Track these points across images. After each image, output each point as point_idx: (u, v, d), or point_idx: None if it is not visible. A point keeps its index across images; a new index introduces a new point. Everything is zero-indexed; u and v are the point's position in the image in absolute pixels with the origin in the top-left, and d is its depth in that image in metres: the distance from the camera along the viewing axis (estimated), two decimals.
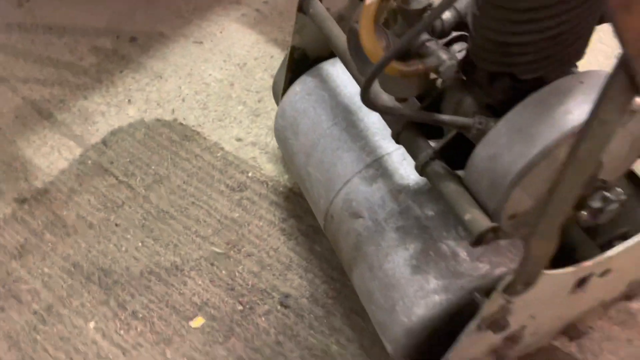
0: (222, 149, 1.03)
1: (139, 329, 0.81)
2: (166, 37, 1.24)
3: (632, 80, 0.31)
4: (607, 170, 0.57)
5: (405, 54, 0.52)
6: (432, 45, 0.51)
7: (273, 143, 1.01)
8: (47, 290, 0.86)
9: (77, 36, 1.26)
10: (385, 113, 0.55)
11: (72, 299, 0.85)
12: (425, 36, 0.52)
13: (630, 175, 0.68)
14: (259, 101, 1.10)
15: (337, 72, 0.80)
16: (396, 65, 0.49)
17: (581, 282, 0.60)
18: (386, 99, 0.64)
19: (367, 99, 0.49)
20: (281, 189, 0.96)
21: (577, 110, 0.48)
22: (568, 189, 0.39)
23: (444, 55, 0.50)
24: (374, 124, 0.73)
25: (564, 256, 0.62)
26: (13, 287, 0.86)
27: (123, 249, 0.90)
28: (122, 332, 0.81)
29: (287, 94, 0.84)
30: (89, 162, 1.02)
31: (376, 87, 0.61)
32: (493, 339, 0.62)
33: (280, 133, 0.85)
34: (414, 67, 0.50)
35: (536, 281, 0.51)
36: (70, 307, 0.84)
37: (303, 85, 0.82)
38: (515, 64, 0.52)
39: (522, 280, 0.49)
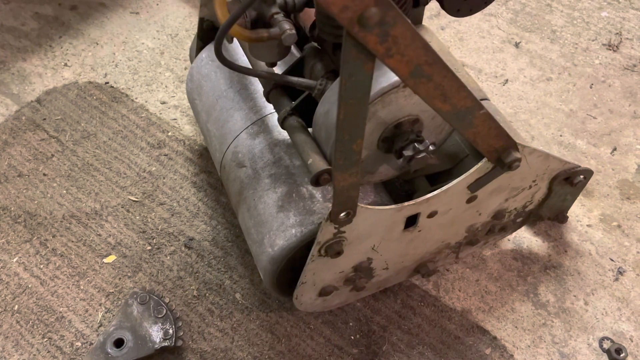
0: (147, 110, 1.13)
1: (57, 264, 0.92)
2: (105, 7, 1.33)
3: (360, 44, 0.43)
4: (430, 128, 0.69)
5: (258, 24, 0.63)
6: (279, 17, 0.62)
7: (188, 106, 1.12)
8: None
9: (22, 3, 1.34)
10: (238, 71, 0.66)
11: None
12: (274, 9, 0.63)
13: None
14: (185, 69, 1.20)
15: (237, 41, 0.91)
16: (242, 32, 0.60)
17: (412, 221, 0.73)
18: (261, 64, 0.75)
19: (220, 56, 0.60)
20: (197, 147, 1.07)
21: (386, 75, 0.60)
22: (346, 130, 0.51)
23: (286, 26, 0.61)
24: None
25: None
26: None
27: (49, 195, 1.00)
28: (42, 266, 0.92)
29: (196, 60, 0.95)
30: (23, 118, 1.12)
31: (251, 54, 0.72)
32: (341, 267, 0.75)
33: (189, 95, 0.96)
34: (259, 34, 0.61)
35: (355, 212, 0.63)
36: None
37: (208, 53, 0.93)
38: None
39: (339, 210, 0.61)
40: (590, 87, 1.16)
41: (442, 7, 0.67)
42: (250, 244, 0.80)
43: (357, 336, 0.85)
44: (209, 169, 1.04)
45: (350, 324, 0.86)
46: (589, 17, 1.29)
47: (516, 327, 0.86)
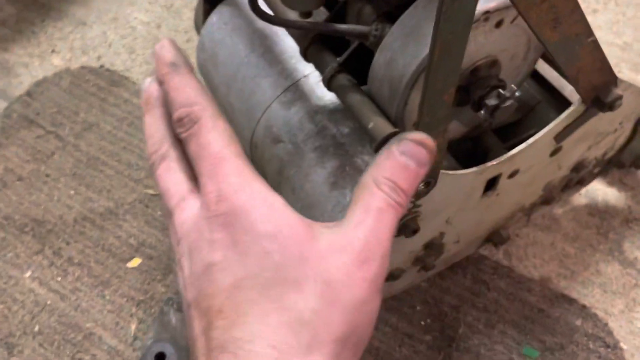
0: None
1: (76, 274, 0.81)
2: None
3: None
4: (507, 71, 0.58)
5: None
6: None
7: (201, 80, 1.00)
8: None
9: None
10: (278, 24, 0.54)
11: (5, 252, 0.84)
12: None
13: (541, 80, 0.69)
14: (187, 41, 1.07)
15: None
16: None
17: (491, 184, 0.62)
18: (293, 16, 0.63)
19: (256, 9, 0.48)
20: None
21: None
22: (440, 76, 0.39)
23: None
24: (291, 47, 0.72)
25: (481, 162, 0.64)
26: None
27: (55, 198, 0.89)
28: (59, 278, 0.81)
29: (205, 25, 0.82)
30: (15, 115, 0.99)
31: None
32: (412, 246, 0.64)
33: (202, 67, 0.83)
34: None
35: (436, 181, 0.52)
36: (5, 259, 0.83)
37: (219, 15, 0.80)
38: None
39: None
40: None
41: None
42: None
43: (428, 320, 0.75)
44: None
45: (418, 307, 0.76)
46: None
47: (605, 291, 0.76)
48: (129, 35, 1.10)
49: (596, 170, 0.77)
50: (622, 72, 0.96)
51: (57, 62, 1.07)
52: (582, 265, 0.78)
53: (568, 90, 0.68)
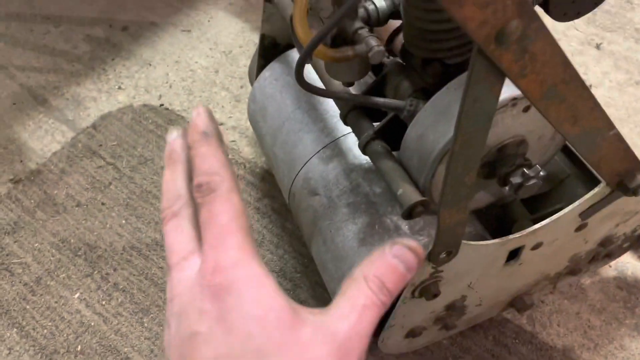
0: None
1: (119, 300, 0.88)
2: (156, 26, 1.29)
3: (492, 64, 0.35)
4: (535, 149, 0.61)
5: (339, 41, 0.56)
6: (364, 32, 0.55)
7: (250, 129, 1.06)
8: (37, 264, 0.92)
9: (73, 25, 1.32)
10: (320, 95, 0.59)
11: (59, 272, 0.91)
12: (358, 24, 0.56)
13: (572, 155, 0.71)
14: (242, 87, 1.15)
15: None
16: (326, 51, 0.54)
17: (514, 254, 0.64)
18: (336, 84, 0.68)
19: (301, 81, 0.53)
20: (257, 170, 1.01)
21: None
22: (460, 162, 0.43)
23: (372, 42, 0.54)
24: (334, 107, 0.78)
25: (508, 230, 0.67)
26: (5, 261, 0.93)
27: (108, 225, 0.96)
28: (104, 302, 0.87)
29: (258, 79, 0.89)
30: (80, 145, 1.08)
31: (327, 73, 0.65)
32: (433, 307, 0.67)
33: (252, 117, 0.90)
34: (344, 53, 0.54)
35: (457, 251, 0.55)
36: (58, 280, 0.90)
37: (272, 71, 0.87)
38: (442, 50, 0.56)
39: (441, 249, 0.53)
40: None
41: (547, 11, 0.58)
42: (328, 280, 0.73)
43: None
44: (273, 193, 0.97)
45: None
46: None
47: None
48: (188, 77, 1.18)
49: (625, 245, 0.78)
50: None
51: (122, 98, 1.16)
52: (606, 338, 0.78)
53: None
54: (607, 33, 1.16)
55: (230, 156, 1.03)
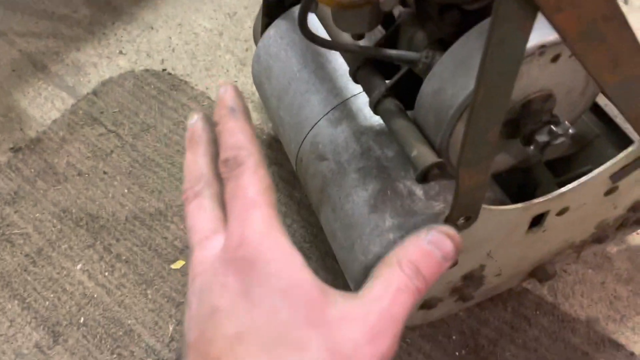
0: (208, 98, 1.03)
1: (122, 271, 0.85)
2: None
3: None
4: (563, 105, 0.55)
5: None
6: None
7: (255, 92, 1.01)
8: (38, 235, 0.89)
9: None
10: (326, 47, 0.54)
11: (61, 243, 0.88)
12: None
13: (601, 112, 0.66)
14: (247, 50, 1.10)
15: (310, 15, 0.79)
16: None
17: (538, 221, 0.59)
18: (346, 37, 0.63)
19: (305, 30, 0.48)
20: (264, 136, 0.97)
21: None
22: (482, 115, 0.38)
23: None
24: (343, 65, 0.73)
25: (530, 195, 0.62)
26: (6, 231, 0.90)
27: (110, 195, 0.93)
28: (106, 273, 0.85)
29: (262, 38, 0.83)
30: (80, 112, 1.05)
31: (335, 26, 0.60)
32: (450, 277, 0.63)
33: (257, 78, 0.85)
34: None
35: (477, 216, 0.51)
36: (59, 250, 0.88)
37: (277, 29, 0.82)
38: None
39: (460, 214, 0.49)
40: None
41: None
42: (337, 249, 0.69)
43: (463, 352, 0.73)
44: (280, 160, 0.93)
45: (454, 337, 0.74)
46: None
47: None
48: (192, 41, 1.13)
49: None
50: None
51: (123, 63, 1.11)
52: (634, 310, 0.74)
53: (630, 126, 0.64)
54: None
55: None
